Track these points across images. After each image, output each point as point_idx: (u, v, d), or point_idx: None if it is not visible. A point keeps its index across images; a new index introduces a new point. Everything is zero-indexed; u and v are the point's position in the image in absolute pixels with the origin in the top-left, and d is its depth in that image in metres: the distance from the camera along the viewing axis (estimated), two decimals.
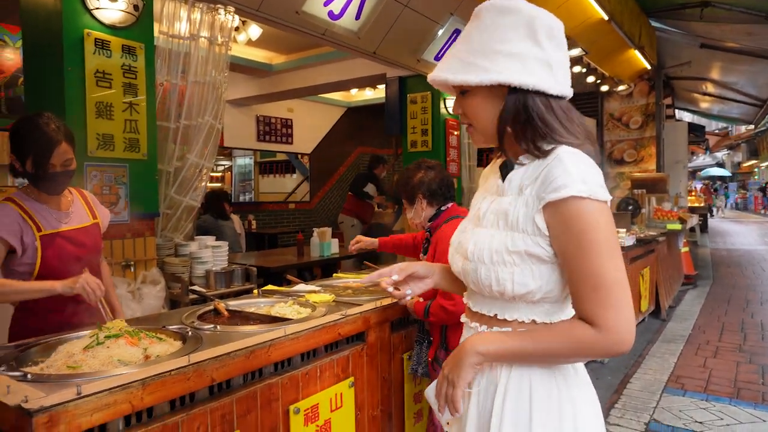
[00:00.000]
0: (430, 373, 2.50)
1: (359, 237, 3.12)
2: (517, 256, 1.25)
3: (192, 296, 3.70)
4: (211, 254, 4.04)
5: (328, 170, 12.31)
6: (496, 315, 1.35)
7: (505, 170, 1.38)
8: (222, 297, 3.99)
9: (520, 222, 1.26)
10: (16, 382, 1.59)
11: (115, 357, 1.77)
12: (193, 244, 4.08)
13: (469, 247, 1.35)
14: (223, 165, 14.73)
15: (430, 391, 1.47)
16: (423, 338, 2.58)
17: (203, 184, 4.14)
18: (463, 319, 1.51)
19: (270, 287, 3.06)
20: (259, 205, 11.25)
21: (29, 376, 1.63)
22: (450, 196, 2.71)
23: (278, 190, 13.37)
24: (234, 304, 2.69)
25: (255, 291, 2.99)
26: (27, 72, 3.70)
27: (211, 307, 2.62)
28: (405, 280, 1.61)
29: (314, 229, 5.51)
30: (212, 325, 2.21)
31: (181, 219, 4.11)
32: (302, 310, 2.55)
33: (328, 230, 5.49)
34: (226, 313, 2.58)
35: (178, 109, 4.05)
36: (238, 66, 8.18)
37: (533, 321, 1.29)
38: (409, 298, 1.64)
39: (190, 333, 2.10)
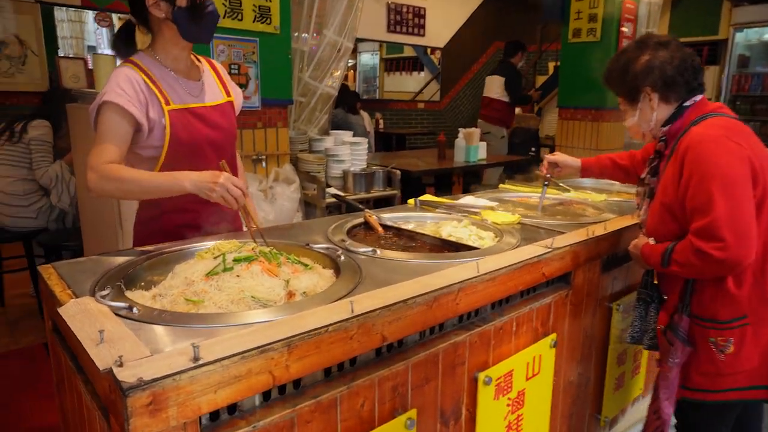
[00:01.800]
0: (661, 345, 1.73)
1: (557, 155, 2.27)
2: None
3: (329, 200, 3.18)
4: (348, 152, 3.45)
5: (461, 67, 11.17)
6: None
7: None
8: (361, 202, 3.44)
9: None
10: (117, 318, 1.09)
11: (247, 292, 1.21)
12: (329, 140, 3.51)
13: None
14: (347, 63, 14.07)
15: None
16: (651, 296, 1.78)
17: (342, 66, 3.47)
18: None
19: (429, 197, 2.40)
20: (386, 103, 10.56)
21: (135, 310, 1.12)
22: (697, 85, 1.75)
23: (404, 89, 12.56)
24: (388, 217, 2.07)
25: (411, 201, 2.34)
26: None
27: (361, 220, 2.03)
28: None
29: (460, 129, 4.71)
30: (369, 248, 1.60)
31: (316, 109, 3.53)
32: (483, 234, 1.86)
33: (476, 131, 4.68)
34: (380, 228, 1.97)
35: None
36: None
37: None
38: None
39: (342, 257, 1.51)
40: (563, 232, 1.88)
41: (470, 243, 1.77)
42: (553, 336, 1.72)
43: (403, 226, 2.01)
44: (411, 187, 4.34)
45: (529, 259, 1.58)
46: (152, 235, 1.70)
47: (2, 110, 4.88)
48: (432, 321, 1.33)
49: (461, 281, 1.37)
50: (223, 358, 0.94)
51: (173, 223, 1.71)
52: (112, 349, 0.95)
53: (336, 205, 3.44)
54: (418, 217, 2.14)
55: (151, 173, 1.54)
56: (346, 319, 1.12)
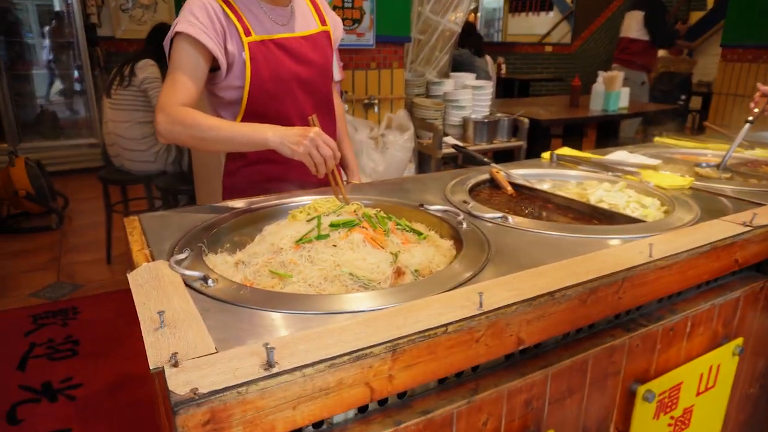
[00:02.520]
0: None
1: None
2: None
3: (445, 150, 2.85)
4: (471, 97, 3.07)
5: (597, 5, 9.97)
6: None
7: None
8: (483, 154, 3.09)
9: None
10: (187, 293, 0.89)
11: (344, 267, 0.95)
12: (448, 83, 3.15)
13: None
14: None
15: None
16: None
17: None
18: None
19: (568, 151, 1.99)
20: (510, 46, 9.78)
21: (211, 282, 0.91)
22: None
23: (530, 31, 11.56)
24: (520, 174, 1.71)
25: (545, 155, 1.95)
26: None
27: (486, 177, 1.69)
28: None
29: (600, 72, 4.09)
30: (498, 214, 1.28)
31: (436, 48, 3.16)
32: (647, 201, 1.45)
33: (619, 75, 4.02)
34: (509, 188, 1.62)
35: None
36: None
37: None
38: None
39: (464, 225, 1.20)
40: (760, 203, 1.42)
41: (629, 213, 1.38)
42: (739, 341, 1.31)
43: (538, 186, 1.65)
44: (536, 139, 3.87)
45: (721, 240, 1.17)
46: (240, 188, 1.52)
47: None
48: (584, 320, 1.00)
49: (628, 268, 1.01)
50: (305, 366, 0.69)
51: (262, 175, 1.50)
52: (171, 338, 0.74)
53: (452, 157, 3.11)
54: (555, 176, 1.76)
55: (230, 122, 1.32)
56: (472, 317, 0.83)
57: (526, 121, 3.12)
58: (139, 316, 0.81)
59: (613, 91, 4.00)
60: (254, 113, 1.42)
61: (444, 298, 0.87)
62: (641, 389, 1.12)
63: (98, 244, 3.76)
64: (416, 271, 1.00)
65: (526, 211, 1.48)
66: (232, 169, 1.57)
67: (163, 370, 0.67)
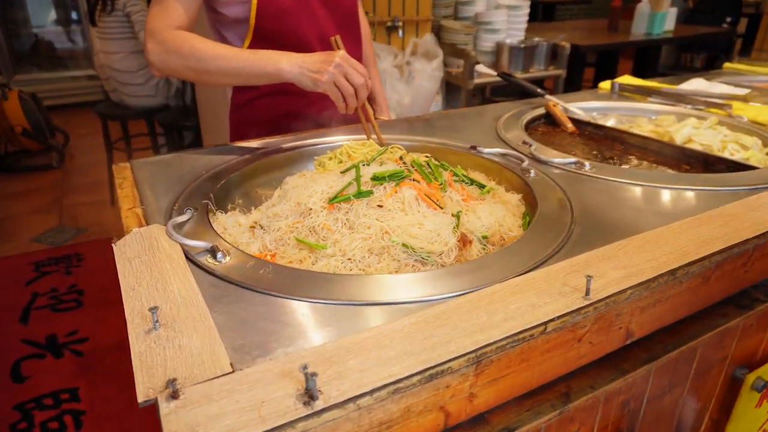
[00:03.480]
0: None
1: None
2: None
3: (478, 80, 2.55)
4: (505, 18, 2.72)
5: None
6: None
7: None
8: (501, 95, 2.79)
9: None
10: (191, 273, 0.67)
11: (395, 235, 0.72)
12: (480, 2, 2.78)
13: None
14: None
15: None
16: None
17: None
18: None
19: (631, 80, 1.70)
20: None
21: (220, 256, 0.69)
22: None
23: None
24: (579, 108, 1.44)
25: (604, 84, 1.67)
26: None
27: (540, 111, 1.43)
28: None
29: None
30: (571, 159, 1.03)
31: None
32: (747, 141, 1.18)
33: None
34: (570, 124, 1.36)
35: None
36: None
37: None
38: None
39: (532, 173, 0.96)
40: None
41: (729, 156, 1.12)
42: None
43: (604, 123, 1.39)
44: (571, 67, 3.53)
45: None
46: (250, 126, 1.27)
47: None
48: (703, 301, 0.77)
49: (759, 235, 0.77)
50: (361, 396, 0.48)
51: (276, 110, 1.25)
52: (168, 349, 0.53)
53: (481, 87, 2.80)
54: (621, 109, 1.50)
55: (236, 49, 1.06)
56: (579, 309, 0.60)
57: (567, 46, 2.78)
58: (125, 309, 0.60)
59: (660, 11, 3.60)
60: (265, 34, 1.16)
61: (535, 281, 0.64)
62: (750, 377, 0.92)
63: (102, 185, 3.55)
64: (485, 237, 0.77)
65: (596, 154, 1.22)
66: (239, 102, 1.31)
67: (157, 403, 0.47)
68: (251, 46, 1.18)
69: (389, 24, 2.48)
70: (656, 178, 0.97)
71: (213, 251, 0.71)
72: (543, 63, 2.77)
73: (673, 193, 0.92)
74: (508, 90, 3.23)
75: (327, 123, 1.28)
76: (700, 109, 1.40)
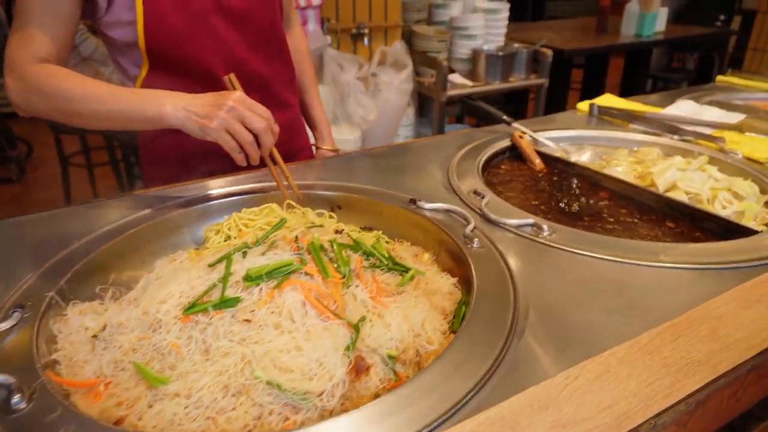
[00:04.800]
0: None
1: None
2: None
3: (452, 92, 2.35)
4: (483, 23, 2.52)
5: None
6: None
7: None
8: (495, 96, 2.61)
9: None
10: None
11: (258, 368, 0.53)
12: (456, 5, 2.58)
13: None
14: None
15: None
16: None
17: None
18: None
19: (611, 99, 1.51)
20: None
21: (16, 401, 0.51)
22: None
23: None
24: (550, 138, 1.25)
25: (582, 105, 1.48)
26: None
27: (505, 143, 1.24)
28: None
29: None
30: (527, 220, 0.84)
31: None
32: (742, 187, 0.99)
33: None
34: (537, 161, 1.17)
35: None
36: None
37: None
38: None
39: (475, 242, 0.77)
40: None
41: (721, 212, 0.93)
42: None
43: (578, 158, 1.20)
44: (556, 73, 3.34)
45: None
46: (163, 164, 1.08)
47: None
48: None
49: (757, 354, 0.58)
50: None
51: (182, 149, 1.05)
52: None
53: (459, 100, 2.60)
54: (598, 139, 1.30)
55: (113, 88, 0.86)
56: None
57: (549, 53, 2.58)
58: None
59: (649, 12, 3.39)
60: (161, 61, 0.96)
61: None
62: None
63: (61, 201, 3.35)
64: (391, 358, 0.58)
65: (563, 206, 1.03)
66: (148, 137, 1.12)
67: None
68: (148, 77, 0.98)
69: (354, 31, 2.28)
70: (630, 250, 0.78)
71: (9, 391, 0.51)
72: (524, 71, 2.57)
73: (649, 275, 0.72)
74: (490, 100, 3.04)
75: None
76: (688, 140, 1.21)
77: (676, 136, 1.23)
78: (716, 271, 0.73)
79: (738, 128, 1.23)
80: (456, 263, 0.76)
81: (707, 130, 1.25)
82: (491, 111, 1.34)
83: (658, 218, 0.96)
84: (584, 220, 0.97)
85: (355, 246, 0.70)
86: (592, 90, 4.47)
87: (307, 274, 0.62)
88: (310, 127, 1.39)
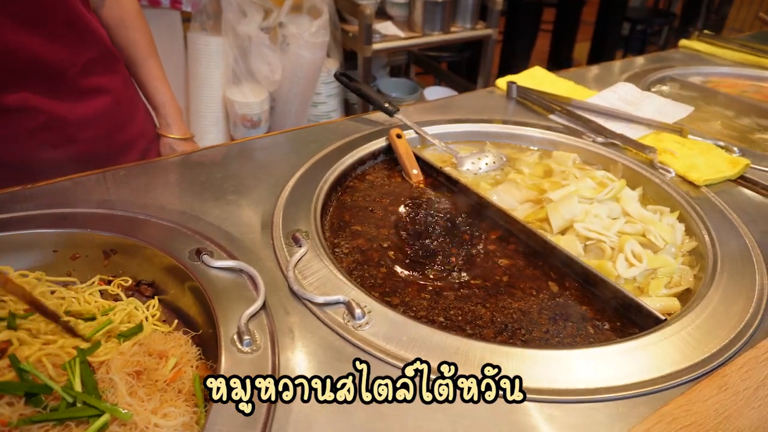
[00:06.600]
0: None
1: None
2: None
3: (379, 45, 2.02)
4: None
5: None
6: None
7: None
8: (436, 50, 2.31)
9: None
10: None
11: None
12: None
13: None
14: None
15: None
16: None
17: None
18: None
19: (533, 78, 1.21)
20: None
21: None
22: None
23: None
24: (443, 133, 0.97)
25: (501, 82, 1.18)
26: None
27: (382, 143, 0.95)
28: None
29: None
30: (340, 297, 0.58)
31: None
32: (661, 234, 0.73)
33: None
34: (414, 174, 0.91)
35: None
36: None
37: None
38: None
39: (245, 344, 0.51)
40: None
41: (621, 278, 0.67)
42: None
43: (473, 164, 0.92)
44: (518, 20, 2.99)
45: None
46: None
47: None
48: None
49: None
50: None
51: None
52: None
53: (394, 50, 2.25)
54: (502, 136, 1.02)
55: None
56: None
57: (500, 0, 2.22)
58: None
59: None
60: None
61: None
62: None
63: None
64: None
65: (417, 248, 0.76)
66: None
67: None
68: None
69: None
70: (474, 349, 0.52)
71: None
72: (469, 20, 2.21)
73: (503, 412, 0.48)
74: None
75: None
76: (614, 144, 0.93)
77: (600, 139, 0.95)
78: (599, 404, 0.49)
79: (679, 131, 0.96)
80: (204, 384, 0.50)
81: (641, 131, 0.97)
82: (371, 96, 1.04)
83: (544, 272, 0.70)
84: (431, 279, 0.70)
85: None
86: (565, 32, 4.09)
87: None
88: (153, 108, 1.10)
